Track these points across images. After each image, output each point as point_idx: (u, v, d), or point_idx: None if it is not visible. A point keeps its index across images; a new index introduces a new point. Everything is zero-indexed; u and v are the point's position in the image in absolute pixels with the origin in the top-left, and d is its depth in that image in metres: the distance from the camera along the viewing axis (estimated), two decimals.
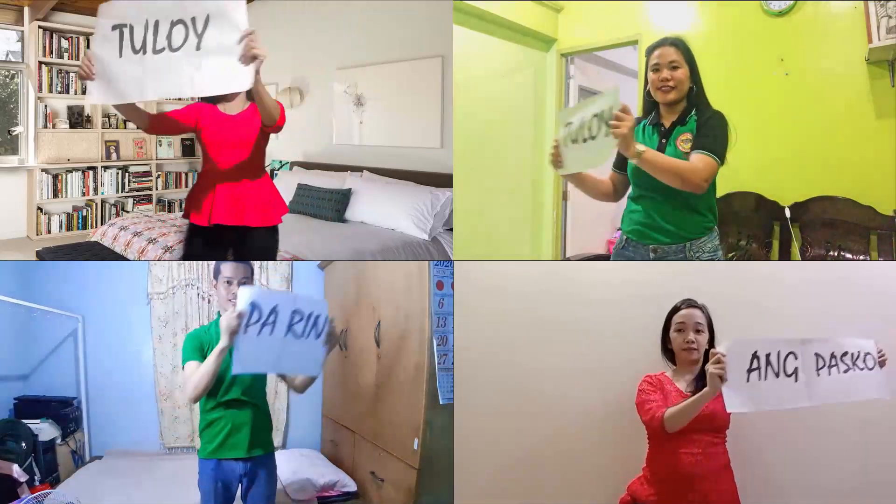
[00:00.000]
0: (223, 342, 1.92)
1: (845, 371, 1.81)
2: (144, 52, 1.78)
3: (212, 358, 1.99)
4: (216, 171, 2.31)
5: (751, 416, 2.10)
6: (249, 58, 1.77)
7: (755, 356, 1.76)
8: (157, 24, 1.77)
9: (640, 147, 1.90)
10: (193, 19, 1.75)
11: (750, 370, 1.76)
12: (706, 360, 1.93)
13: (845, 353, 1.83)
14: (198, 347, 2.14)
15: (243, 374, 2.21)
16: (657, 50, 2.09)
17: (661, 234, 2.13)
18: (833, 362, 1.82)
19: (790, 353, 1.79)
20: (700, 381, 1.92)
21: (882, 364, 1.87)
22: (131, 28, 1.78)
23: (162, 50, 1.77)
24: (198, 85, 1.81)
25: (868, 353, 1.85)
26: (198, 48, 1.76)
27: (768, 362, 1.77)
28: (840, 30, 3.25)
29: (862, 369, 1.82)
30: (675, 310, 2.05)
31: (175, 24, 1.76)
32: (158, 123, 2.30)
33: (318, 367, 2.11)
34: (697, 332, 1.99)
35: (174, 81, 1.80)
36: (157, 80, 1.79)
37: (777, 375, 1.77)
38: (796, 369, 1.79)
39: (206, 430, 2.22)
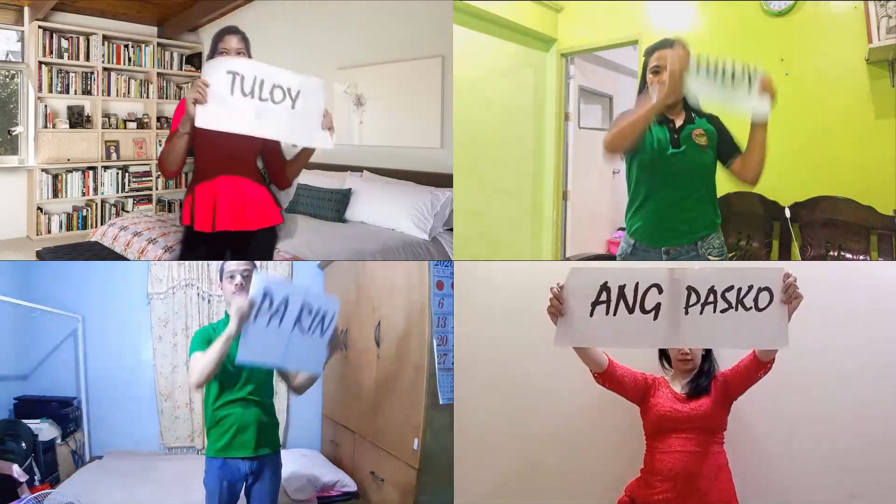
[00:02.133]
0: (231, 328, 1.91)
1: (723, 310, 1.48)
2: (252, 97, 2.13)
3: (217, 344, 1.99)
4: (216, 178, 2.31)
5: (750, 418, 2.12)
6: (328, 127, 2.27)
7: (604, 288, 1.53)
8: (262, 81, 2.14)
9: None
10: (289, 88, 2.19)
11: (596, 303, 1.54)
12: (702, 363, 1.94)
13: (730, 288, 1.48)
14: (206, 340, 2.13)
15: (254, 372, 2.22)
16: (659, 52, 2.09)
17: (673, 234, 2.12)
18: (710, 298, 1.49)
19: (653, 285, 1.51)
20: (694, 384, 1.92)
21: (788, 301, 1.47)
22: (242, 77, 2.11)
23: (266, 100, 2.15)
24: (295, 134, 2.23)
25: (764, 289, 1.46)
26: (293, 107, 2.20)
27: (622, 295, 1.54)
28: (840, 30, 3.25)
29: (749, 309, 1.46)
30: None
31: (276, 87, 2.17)
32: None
33: (319, 367, 2.11)
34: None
35: (277, 126, 2.18)
36: (263, 121, 2.15)
37: (631, 311, 1.53)
38: (658, 305, 1.52)
39: (213, 429, 2.22)
